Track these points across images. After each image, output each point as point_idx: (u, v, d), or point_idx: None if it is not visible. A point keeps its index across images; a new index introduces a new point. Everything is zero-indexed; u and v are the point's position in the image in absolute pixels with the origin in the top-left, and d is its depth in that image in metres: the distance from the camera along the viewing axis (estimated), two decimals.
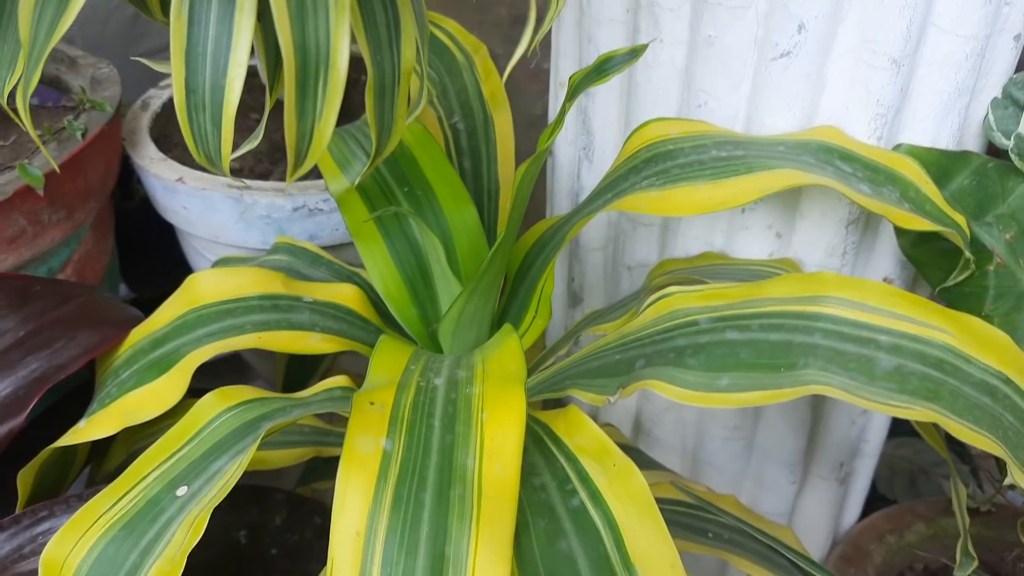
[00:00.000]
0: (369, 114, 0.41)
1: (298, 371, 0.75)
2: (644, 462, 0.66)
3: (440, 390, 0.42)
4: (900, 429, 1.05)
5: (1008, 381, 0.44)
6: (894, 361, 0.43)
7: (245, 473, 0.62)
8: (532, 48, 0.45)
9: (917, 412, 0.41)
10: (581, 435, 0.44)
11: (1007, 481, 0.62)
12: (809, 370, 0.42)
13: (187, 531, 0.43)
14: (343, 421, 0.66)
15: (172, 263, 0.89)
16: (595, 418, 0.79)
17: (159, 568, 0.43)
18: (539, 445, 0.45)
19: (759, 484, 0.72)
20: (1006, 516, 0.81)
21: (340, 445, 0.60)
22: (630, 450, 0.69)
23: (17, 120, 0.45)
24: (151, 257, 0.97)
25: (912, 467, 1.07)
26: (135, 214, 0.93)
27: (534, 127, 1.10)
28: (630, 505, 0.40)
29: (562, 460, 0.43)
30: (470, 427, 0.40)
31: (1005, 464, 0.64)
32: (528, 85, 1.12)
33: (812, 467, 0.73)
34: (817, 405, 0.68)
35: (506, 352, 0.46)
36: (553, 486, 0.42)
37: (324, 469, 0.66)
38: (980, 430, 0.41)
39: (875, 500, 0.97)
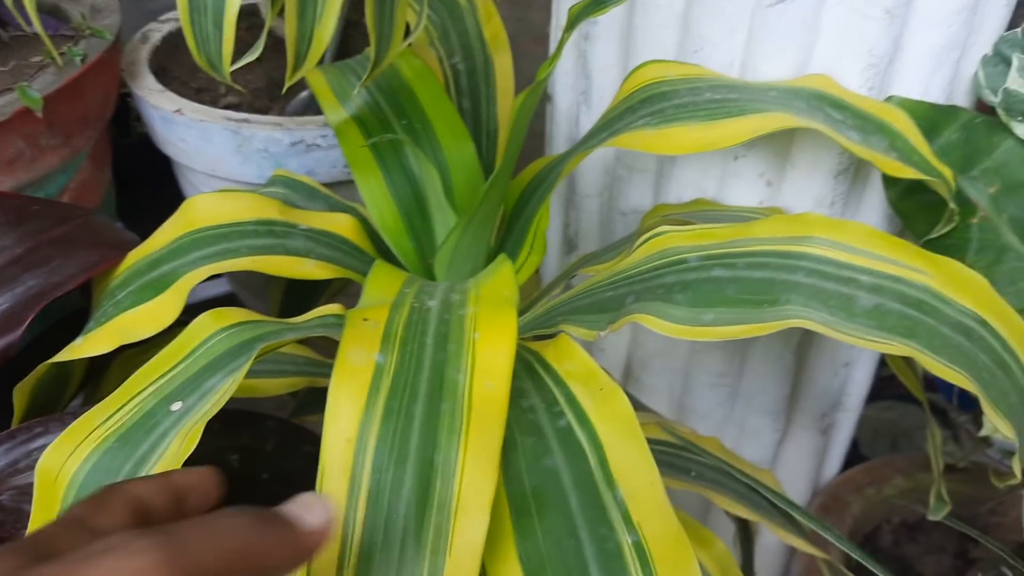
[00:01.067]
0: (369, 21, 0.41)
1: (293, 310, 0.75)
2: (633, 404, 0.68)
3: (434, 311, 0.43)
4: (884, 393, 1.07)
5: (984, 323, 0.46)
6: (874, 300, 0.44)
7: (238, 400, 0.64)
8: None
9: (894, 347, 0.42)
10: (570, 361, 0.45)
11: (982, 432, 0.63)
12: (791, 306, 0.44)
13: (181, 442, 0.44)
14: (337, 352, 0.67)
15: (169, 203, 0.90)
16: None
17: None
18: (529, 371, 0.46)
19: (743, 432, 0.74)
20: (982, 473, 0.83)
21: None
22: None
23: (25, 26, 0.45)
24: (147, 196, 0.98)
25: (895, 430, 1.09)
26: (132, 152, 0.93)
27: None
28: (614, 426, 0.41)
29: (551, 384, 0.44)
30: (462, 345, 0.41)
31: (981, 420, 0.66)
32: (532, 48, 1.12)
33: (795, 417, 0.74)
34: (801, 353, 0.69)
35: (499, 279, 0.47)
36: (542, 408, 0.43)
37: (317, 402, 0.67)
38: (955, 366, 0.43)
39: (857, 459, 0.99)
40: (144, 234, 0.59)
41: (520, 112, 0.46)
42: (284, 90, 0.51)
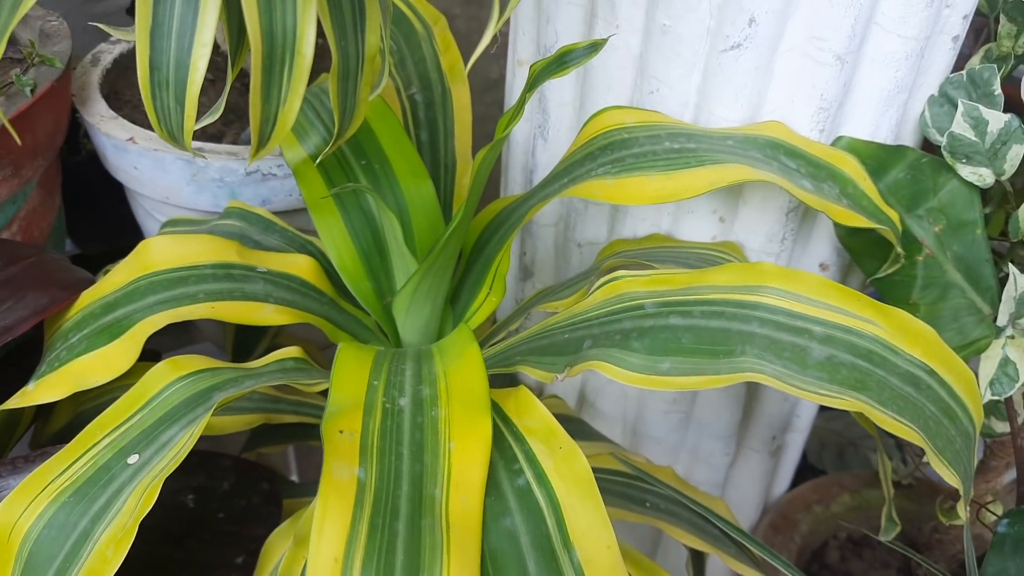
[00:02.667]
0: (332, 98, 0.41)
1: (247, 334, 0.75)
2: (586, 433, 0.69)
3: (406, 413, 0.43)
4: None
5: (932, 372, 0.47)
6: (826, 351, 0.45)
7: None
8: (494, 39, 0.46)
9: (845, 402, 0.44)
10: (530, 417, 0.45)
11: (926, 459, 0.65)
12: (746, 357, 0.44)
13: (139, 499, 0.43)
14: (293, 389, 0.67)
15: (119, 219, 0.88)
16: (540, 390, 0.81)
17: (110, 535, 0.43)
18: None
19: (695, 456, 0.75)
20: (925, 490, 0.86)
21: (290, 412, 0.62)
22: (574, 421, 0.71)
23: None
24: (98, 213, 0.96)
25: (841, 440, 1.12)
26: (82, 169, 0.91)
27: (490, 91, 1.10)
28: (573, 487, 0.42)
29: (511, 440, 0.45)
30: (437, 456, 0.41)
31: None
32: (485, 50, 1.12)
33: (746, 440, 0.76)
34: (752, 384, 0.71)
35: (468, 366, 0.47)
36: (501, 465, 0.44)
37: (270, 434, 0.67)
38: (903, 419, 0.44)
39: (805, 469, 1.01)
40: (94, 252, 0.58)
41: (481, 166, 0.46)
42: (247, 168, 0.49)
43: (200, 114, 0.75)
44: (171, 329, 0.53)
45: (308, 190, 0.54)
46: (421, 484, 0.39)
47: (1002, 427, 0.66)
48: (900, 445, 0.98)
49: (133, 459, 0.46)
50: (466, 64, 0.64)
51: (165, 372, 0.48)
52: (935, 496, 0.82)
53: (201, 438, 0.67)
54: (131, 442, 0.47)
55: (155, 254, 0.53)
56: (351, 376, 0.44)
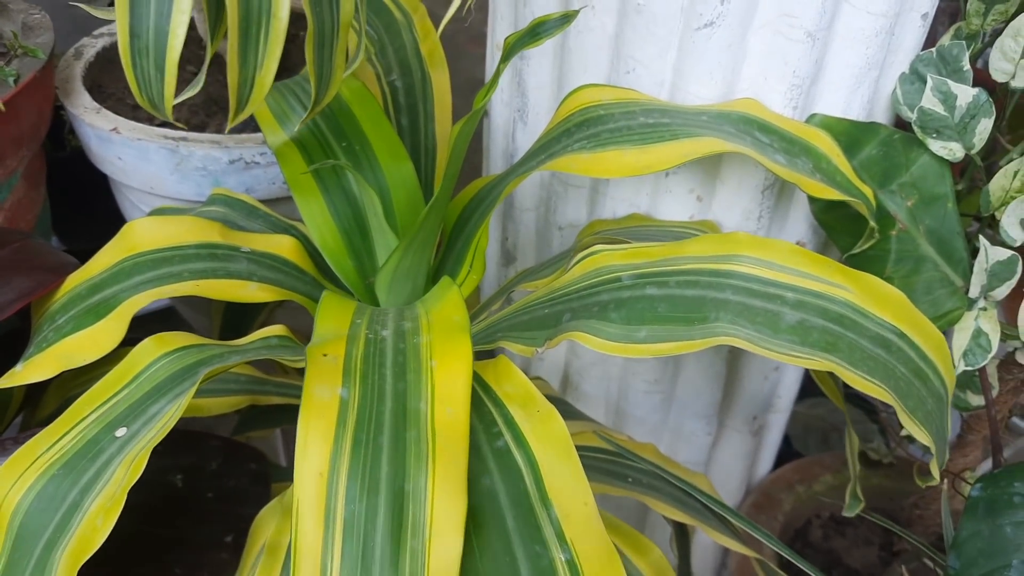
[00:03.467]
0: (309, 64, 0.42)
1: (234, 326, 0.76)
2: (570, 413, 0.70)
3: (389, 340, 0.44)
4: (814, 390, 1.11)
5: (902, 335, 0.48)
6: (798, 316, 0.46)
7: (181, 420, 0.64)
8: (467, 8, 0.47)
9: (817, 362, 0.45)
10: (509, 383, 0.46)
11: (903, 431, 0.67)
12: (720, 323, 0.46)
13: (127, 470, 0.44)
14: (280, 371, 0.68)
15: (105, 217, 0.89)
16: (526, 371, 0.82)
17: (99, 505, 0.44)
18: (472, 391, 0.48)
19: (677, 435, 0.76)
20: (905, 468, 0.87)
21: (276, 394, 0.62)
22: (557, 402, 0.72)
23: None
24: (83, 210, 0.97)
25: (825, 425, 1.13)
26: (67, 165, 0.92)
27: (475, 90, 1.11)
28: (550, 447, 0.43)
29: (490, 405, 0.46)
30: (420, 374, 0.42)
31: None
32: (470, 49, 1.13)
33: (727, 420, 0.77)
34: (732, 360, 0.72)
35: (448, 303, 0.48)
36: (480, 429, 0.45)
37: (259, 418, 0.67)
38: (873, 379, 0.45)
39: (790, 456, 1.02)
40: (81, 248, 0.59)
41: (458, 139, 0.47)
42: (228, 130, 0.51)
43: (187, 111, 0.76)
44: (162, 327, 0.53)
45: (289, 170, 0.55)
46: (405, 399, 0.40)
47: (978, 400, 0.68)
48: (883, 429, 0.99)
49: (121, 432, 0.47)
50: (446, 55, 0.65)
51: (151, 348, 0.49)
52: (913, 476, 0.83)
53: (191, 421, 0.68)
54: (118, 416, 0.47)
55: (139, 235, 0.54)
56: (335, 315, 0.45)
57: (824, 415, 1.15)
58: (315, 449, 0.37)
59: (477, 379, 0.48)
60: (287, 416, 0.67)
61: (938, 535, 0.75)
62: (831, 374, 0.59)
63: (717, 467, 0.80)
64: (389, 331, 0.44)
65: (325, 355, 0.41)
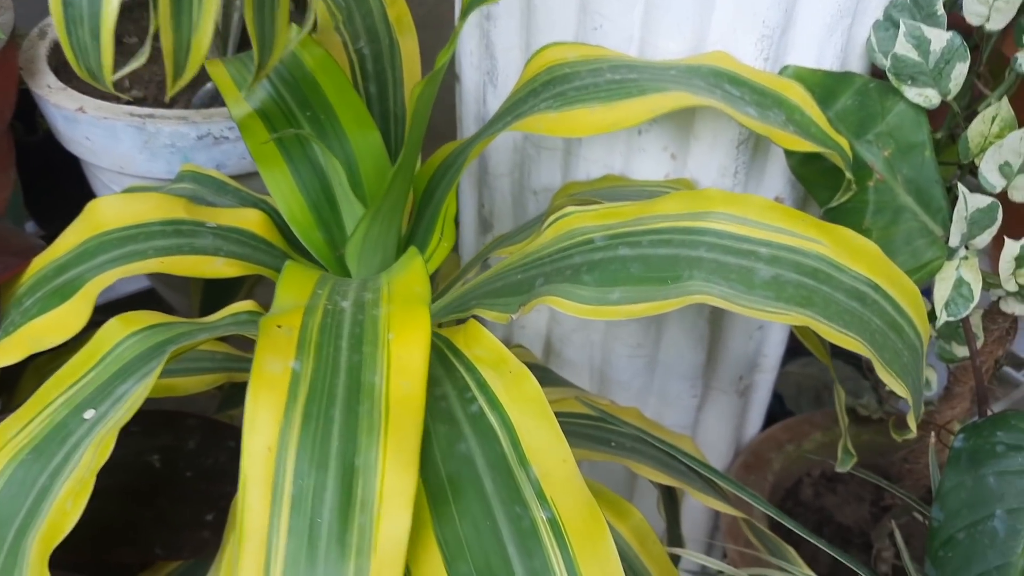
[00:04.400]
0: (249, 26, 0.41)
1: (213, 304, 0.75)
2: (551, 379, 0.69)
3: (347, 312, 0.44)
4: (806, 349, 1.10)
5: (877, 288, 0.48)
6: (772, 271, 0.45)
7: (159, 400, 0.63)
8: None
9: (792, 317, 0.44)
10: (479, 346, 0.46)
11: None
12: (693, 281, 0.45)
13: (95, 452, 0.43)
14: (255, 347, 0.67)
15: (80, 199, 0.88)
16: (507, 341, 0.81)
17: (69, 489, 0.43)
18: (441, 358, 0.47)
19: (663, 399, 0.76)
20: (897, 423, 0.87)
21: None
22: (540, 369, 0.71)
23: None
24: (58, 193, 0.95)
25: (818, 384, 1.13)
26: (40, 148, 0.91)
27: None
28: (525, 407, 0.42)
29: (462, 370, 0.45)
30: (376, 347, 0.41)
31: None
32: (452, 17, 1.11)
33: (712, 381, 0.76)
34: (715, 320, 0.71)
35: (411, 274, 0.47)
36: (454, 395, 0.44)
37: (241, 396, 0.67)
38: (849, 332, 0.45)
39: (784, 416, 1.02)
40: (58, 232, 0.58)
41: (419, 101, 0.46)
42: (168, 98, 0.50)
43: (155, 88, 0.75)
44: (140, 304, 0.53)
45: (253, 142, 0.54)
46: (359, 372, 0.39)
47: (963, 351, 0.67)
48: (875, 386, 0.99)
49: (89, 414, 0.46)
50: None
51: (117, 328, 0.48)
52: (904, 426, 0.82)
53: (168, 401, 0.67)
54: (86, 398, 0.47)
55: (104, 214, 0.53)
56: (297, 286, 0.44)
57: (816, 374, 1.15)
58: (264, 423, 0.37)
59: (448, 345, 0.47)
60: None
61: (928, 489, 0.75)
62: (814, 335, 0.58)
63: (704, 429, 0.80)
64: (349, 302, 0.43)
65: (280, 327, 0.40)
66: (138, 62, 0.43)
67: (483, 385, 0.44)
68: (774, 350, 0.77)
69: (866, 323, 0.46)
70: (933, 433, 0.68)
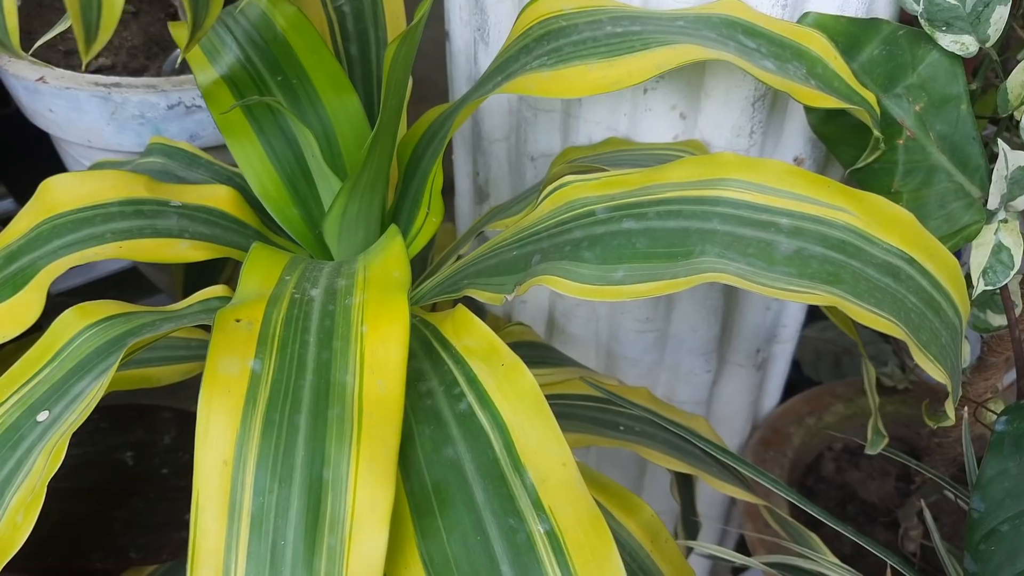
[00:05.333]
0: None
1: (197, 284, 0.71)
2: (555, 359, 0.65)
3: (316, 302, 0.39)
4: (823, 312, 1.05)
5: (912, 261, 0.43)
6: (794, 244, 0.41)
7: (131, 393, 0.59)
8: None
9: (817, 296, 0.39)
10: (469, 335, 0.41)
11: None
12: (706, 257, 0.40)
13: (47, 459, 0.39)
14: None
15: (58, 171, 0.84)
16: (508, 317, 0.77)
17: (19, 500, 0.39)
18: (427, 349, 0.43)
19: (675, 375, 0.71)
20: (923, 393, 0.82)
21: None
22: (541, 347, 0.67)
23: None
24: (35, 169, 0.91)
25: (837, 349, 1.08)
26: (12, 122, 0.86)
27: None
28: (519, 405, 0.38)
29: (450, 363, 0.41)
30: (348, 342, 0.37)
31: None
32: None
33: (727, 355, 0.72)
34: (730, 292, 0.66)
35: (389, 256, 0.43)
36: (440, 391, 0.40)
37: None
38: (882, 313, 0.40)
39: (801, 382, 0.98)
40: None
41: (395, 60, 0.41)
42: (84, 67, 0.45)
43: (125, 55, 0.70)
44: (120, 286, 0.49)
45: (218, 109, 0.49)
46: (329, 371, 0.35)
47: (999, 320, 0.62)
48: (896, 350, 0.94)
49: (43, 416, 0.42)
50: None
51: (73, 320, 0.44)
52: (933, 400, 0.78)
53: (148, 392, 0.63)
54: (40, 398, 0.43)
55: (58, 195, 0.48)
56: (263, 271, 0.40)
57: (835, 338, 1.10)
58: (218, 433, 0.32)
59: (435, 333, 0.43)
60: None
61: (960, 465, 0.71)
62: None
63: (720, 404, 0.75)
64: (319, 290, 0.39)
65: (238, 320, 0.35)
66: (59, 29, 0.38)
67: (473, 380, 0.40)
68: (793, 320, 0.72)
69: (900, 301, 0.41)
70: (967, 409, 0.63)
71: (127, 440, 0.53)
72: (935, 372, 0.41)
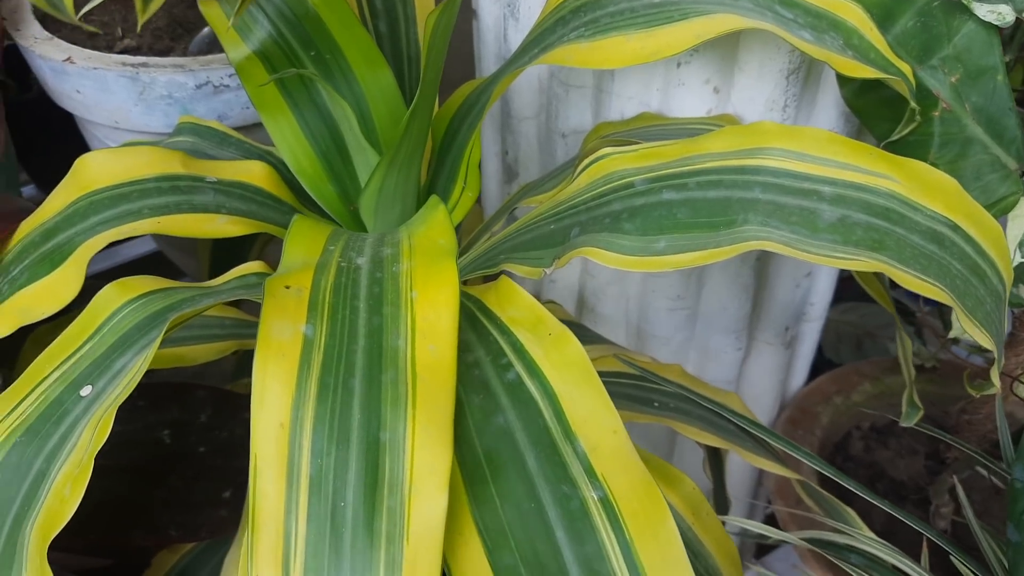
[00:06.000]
0: None
1: (223, 266, 0.71)
2: (588, 337, 0.64)
3: (364, 269, 0.39)
4: (846, 295, 1.05)
5: (956, 228, 0.42)
6: (837, 212, 0.41)
7: (167, 372, 0.59)
8: None
9: (863, 263, 0.39)
10: (514, 307, 0.41)
11: (952, 333, 0.61)
12: (749, 226, 0.40)
13: (92, 432, 0.39)
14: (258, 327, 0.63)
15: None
16: (538, 296, 0.77)
17: (67, 473, 0.39)
18: (471, 321, 0.42)
19: (704, 354, 0.71)
20: (950, 371, 0.82)
21: None
22: (573, 326, 0.67)
23: None
24: (57, 154, 0.91)
25: (858, 331, 1.08)
26: (35, 107, 0.86)
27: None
28: (567, 374, 0.38)
29: (495, 334, 0.41)
30: (399, 307, 0.37)
31: (949, 319, 0.63)
32: None
33: (757, 333, 0.71)
34: (760, 269, 0.66)
35: (433, 225, 0.43)
36: (487, 361, 0.40)
37: (251, 363, 0.63)
38: (928, 278, 0.40)
39: (822, 365, 0.97)
40: None
41: (436, 31, 0.41)
42: (139, 28, 0.45)
43: (150, 36, 0.70)
44: (146, 269, 0.48)
45: (252, 85, 0.49)
46: (381, 336, 0.35)
47: None
48: (919, 330, 0.94)
49: (86, 391, 0.42)
50: None
51: (114, 296, 0.44)
52: (960, 377, 0.78)
53: (181, 371, 0.63)
54: (83, 373, 0.43)
55: (93, 171, 0.48)
56: (306, 242, 0.39)
57: (856, 320, 1.10)
58: (274, 396, 0.32)
59: (479, 305, 0.43)
60: None
61: (991, 441, 0.70)
62: (877, 273, 0.53)
63: (748, 384, 0.75)
64: (365, 258, 0.39)
65: (288, 287, 0.35)
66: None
67: (520, 350, 0.39)
68: (822, 298, 0.72)
69: (946, 268, 0.41)
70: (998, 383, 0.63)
71: (164, 419, 0.53)
72: (982, 338, 0.41)
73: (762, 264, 0.66)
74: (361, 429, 0.33)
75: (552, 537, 0.34)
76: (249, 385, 0.65)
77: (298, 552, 0.32)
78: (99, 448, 0.39)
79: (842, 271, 0.74)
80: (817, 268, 0.68)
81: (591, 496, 0.35)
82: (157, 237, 0.85)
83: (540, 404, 0.38)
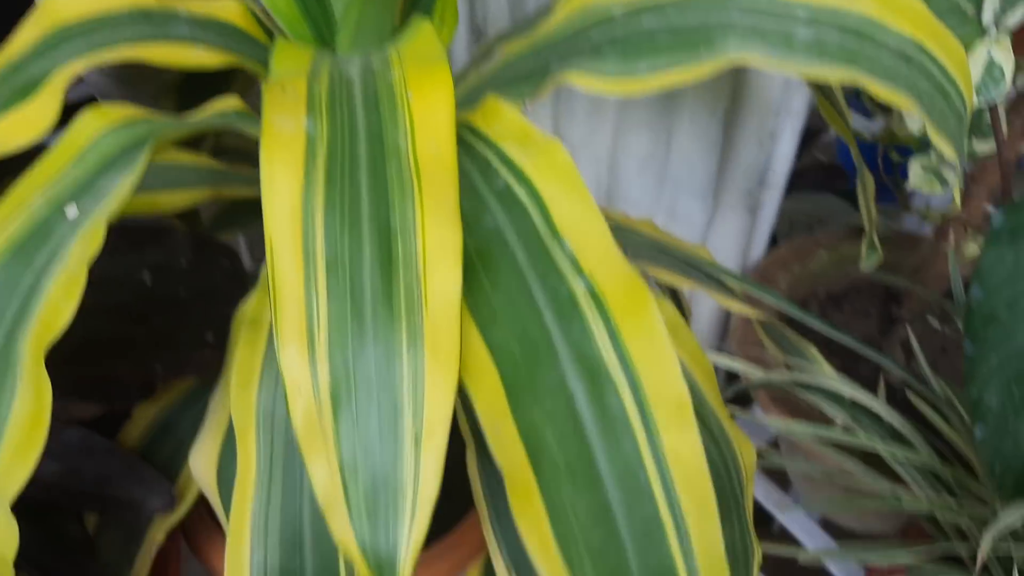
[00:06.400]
0: None
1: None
2: None
3: (356, 77, 0.39)
4: (799, 185, 1.08)
5: (923, 49, 0.44)
6: (812, 32, 0.42)
7: (141, 218, 0.59)
8: None
9: (837, 73, 0.41)
10: (499, 122, 0.42)
11: (911, 183, 0.63)
12: (728, 44, 0.42)
13: (84, 243, 0.40)
14: (242, 162, 0.62)
15: None
16: None
17: (60, 282, 0.40)
18: (459, 140, 0.43)
19: (672, 216, 0.73)
20: (901, 242, 0.85)
21: (240, 185, 0.57)
22: None
23: None
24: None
25: (811, 220, 1.11)
26: None
27: None
28: (555, 180, 0.39)
29: (482, 148, 0.41)
30: (395, 107, 0.37)
31: (907, 176, 0.65)
32: None
33: (722, 197, 0.73)
34: (728, 122, 0.67)
35: (420, 39, 0.43)
36: (475, 173, 0.41)
37: (226, 219, 0.63)
38: (898, 89, 0.41)
39: None
40: None
41: None
42: None
43: None
44: None
45: None
46: (381, 133, 0.35)
47: (983, 147, 0.64)
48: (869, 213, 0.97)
49: (72, 211, 0.42)
50: None
51: (92, 121, 0.44)
52: (912, 247, 0.81)
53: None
54: (66, 195, 0.42)
55: (60, 6, 0.47)
56: (293, 58, 0.40)
57: (808, 209, 1.13)
58: (283, 184, 0.33)
59: (464, 124, 0.43)
60: (255, 215, 0.62)
61: (944, 292, 0.73)
62: (836, 107, 0.55)
63: (712, 249, 0.78)
64: (356, 69, 0.39)
65: (284, 88, 0.36)
66: None
67: (507, 160, 0.40)
68: (782, 163, 0.74)
69: (913, 83, 0.43)
70: (952, 231, 0.66)
71: (144, 261, 0.53)
72: (947, 149, 0.43)
73: (729, 117, 0.67)
74: (371, 214, 0.33)
75: (541, 320, 0.36)
76: (227, 236, 0.64)
77: (321, 326, 0.33)
78: (92, 259, 0.39)
79: (796, 159, 0.76)
80: (780, 129, 0.70)
81: (579, 287, 0.37)
82: (116, 82, 0.82)
83: (528, 207, 0.39)
